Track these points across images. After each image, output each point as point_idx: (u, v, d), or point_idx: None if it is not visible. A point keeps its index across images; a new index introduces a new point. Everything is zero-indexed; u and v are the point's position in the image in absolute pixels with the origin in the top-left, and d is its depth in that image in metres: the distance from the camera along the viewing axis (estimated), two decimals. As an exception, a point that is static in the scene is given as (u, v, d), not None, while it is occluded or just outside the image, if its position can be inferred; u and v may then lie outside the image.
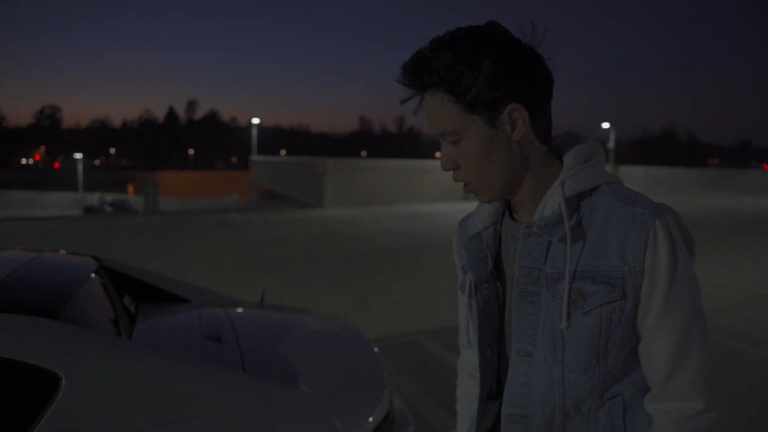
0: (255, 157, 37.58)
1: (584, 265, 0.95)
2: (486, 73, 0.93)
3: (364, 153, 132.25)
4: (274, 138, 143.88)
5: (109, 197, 38.85)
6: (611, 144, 40.49)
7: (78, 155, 57.40)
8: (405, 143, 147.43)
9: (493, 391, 1.15)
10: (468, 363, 1.28)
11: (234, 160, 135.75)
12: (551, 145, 1.05)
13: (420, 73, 0.96)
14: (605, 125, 41.44)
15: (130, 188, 59.78)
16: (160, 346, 2.06)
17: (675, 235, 0.93)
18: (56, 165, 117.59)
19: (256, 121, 39.08)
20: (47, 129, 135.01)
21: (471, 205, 17.67)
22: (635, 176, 37.44)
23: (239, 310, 2.55)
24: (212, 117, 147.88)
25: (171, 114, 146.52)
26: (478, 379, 1.18)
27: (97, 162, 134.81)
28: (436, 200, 21.70)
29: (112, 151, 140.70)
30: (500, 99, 0.94)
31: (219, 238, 12.33)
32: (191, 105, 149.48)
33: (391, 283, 7.78)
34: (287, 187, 26.68)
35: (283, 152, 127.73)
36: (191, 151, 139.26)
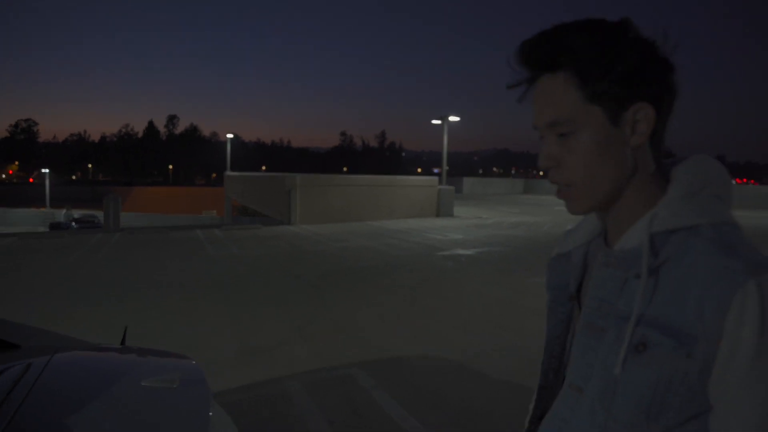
0: (229, 173, 37.03)
1: (655, 312, 0.84)
2: (625, 62, 0.85)
3: (345, 168, 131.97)
4: (255, 153, 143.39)
5: (76, 213, 37.92)
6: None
7: (45, 170, 56.24)
8: (386, 158, 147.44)
9: (538, 416, 1.10)
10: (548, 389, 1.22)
11: (214, 175, 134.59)
12: (660, 165, 0.93)
13: (547, 49, 0.88)
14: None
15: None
16: None
17: None
18: (31, 180, 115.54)
19: (230, 135, 38.57)
20: (23, 143, 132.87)
21: (445, 222, 17.33)
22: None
23: (67, 357, 2.10)
24: (193, 132, 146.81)
25: (151, 128, 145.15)
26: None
27: (74, 177, 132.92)
28: (409, 216, 21.30)
29: (90, 166, 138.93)
30: (630, 95, 0.86)
31: (174, 256, 11.79)
32: (171, 120, 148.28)
33: (343, 307, 7.32)
34: (258, 202, 26.15)
35: (263, 168, 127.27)
36: (171, 167, 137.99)
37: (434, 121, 25.87)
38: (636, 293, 0.87)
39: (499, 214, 23.18)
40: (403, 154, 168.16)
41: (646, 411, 0.85)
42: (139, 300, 7.65)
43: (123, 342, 2.58)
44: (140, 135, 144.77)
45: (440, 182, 23.28)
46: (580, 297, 1.02)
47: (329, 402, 4.31)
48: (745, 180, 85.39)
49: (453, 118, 25.30)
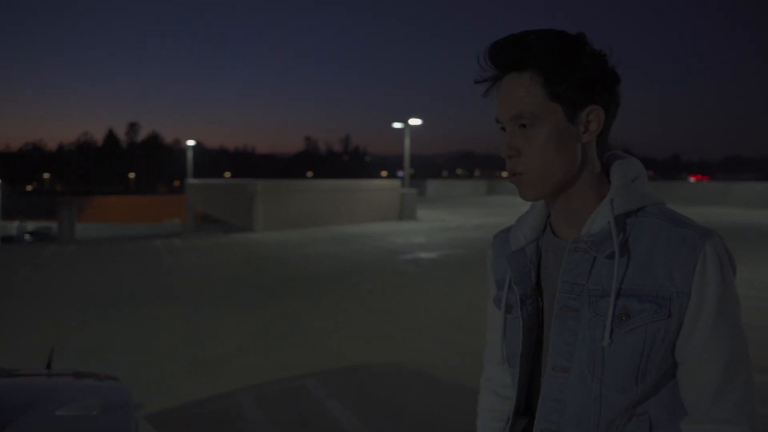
0: (191, 180, 36.44)
1: (630, 284, 0.95)
2: (584, 67, 0.96)
3: (310, 173, 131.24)
4: (218, 160, 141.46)
5: (30, 225, 36.74)
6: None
7: (-4, 180, 54.42)
8: (351, 163, 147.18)
9: (521, 407, 1.12)
10: (494, 379, 1.29)
11: (177, 183, 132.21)
12: (602, 164, 1.06)
13: (516, 50, 0.97)
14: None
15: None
16: None
17: (723, 259, 0.94)
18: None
19: (191, 143, 37.95)
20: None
21: (408, 225, 17.27)
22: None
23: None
24: (154, 139, 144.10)
25: (111, 137, 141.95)
26: (505, 396, 1.25)
27: (29, 187, 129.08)
28: (372, 220, 21.22)
29: (47, 176, 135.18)
30: (586, 98, 0.98)
31: (130, 268, 11.48)
32: (132, 127, 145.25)
33: (301, 315, 7.20)
34: (220, 210, 25.75)
35: (227, 174, 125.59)
36: (132, 175, 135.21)
37: (396, 125, 25.87)
38: (605, 271, 0.98)
39: (462, 216, 23.27)
40: (368, 158, 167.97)
41: (635, 373, 0.95)
42: (87, 314, 7.40)
43: (49, 365, 2.42)
44: (100, 143, 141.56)
45: (403, 185, 23.27)
46: (539, 289, 1.09)
47: (281, 415, 4.20)
48: (699, 177, 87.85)
49: (414, 122, 25.34)
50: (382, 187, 22.27)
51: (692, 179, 67.54)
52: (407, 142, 24.77)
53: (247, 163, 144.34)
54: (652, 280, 0.94)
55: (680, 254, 0.93)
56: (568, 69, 0.96)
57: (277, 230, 18.80)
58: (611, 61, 1.00)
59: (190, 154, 37.88)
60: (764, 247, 12.93)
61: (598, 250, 0.98)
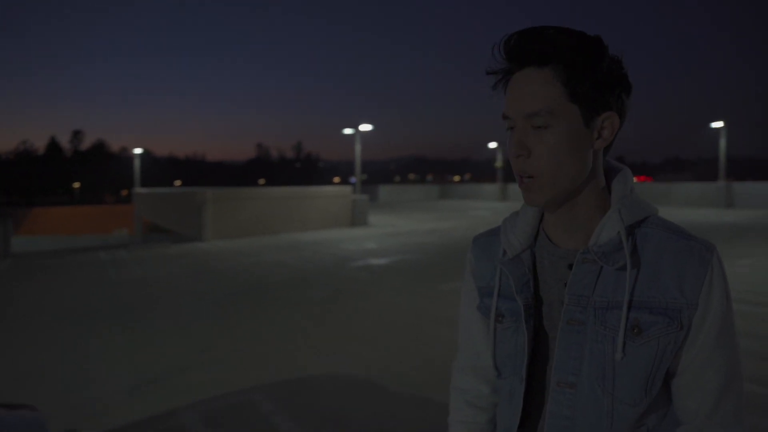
0: (138, 189, 35.52)
1: (640, 296, 0.94)
2: (605, 69, 0.93)
3: (262, 180, 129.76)
4: (168, 168, 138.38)
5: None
6: (498, 163, 41.71)
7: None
8: (304, 169, 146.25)
9: (523, 421, 1.07)
10: (470, 390, 1.22)
11: (124, 192, 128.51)
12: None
13: (541, 43, 0.92)
14: (492, 145, 42.62)
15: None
16: None
17: (724, 270, 0.95)
18: None
19: (138, 151, 37.03)
20: None
21: (360, 231, 17.16)
22: (518, 193, 38.79)
23: None
24: (100, 147, 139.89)
25: (53, 145, 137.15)
26: (481, 408, 1.20)
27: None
28: (324, 227, 21.09)
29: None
30: (604, 102, 0.94)
31: (71, 283, 11.07)
32: (76, 135, 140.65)
33: (249, 327, 7.06)
34: (168, 220, 25.14)
35: (178, 183, 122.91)
36: (77, 185, 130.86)
37: (346, 131, 25.83)
38: (611, 282, 0.96)
39: (414, 221, 23.38)
40: (321, 164, 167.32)
41: (645, 385, 0.94)
42: (18, 335, 7.09)
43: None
44: (41, 152, 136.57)
45: (354, 191, 23.23)
46: (537, 297, 1.06)
47: (226, 432, 4.09)
48: (643, 178, 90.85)
49: (365, 127, 25.35)
50: (334, 193, 22.17)
51: (636, 180, 69.68)
52: (358, 148, 24.76)
53: (198, 171, 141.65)
54: (662, 292, 0.93)
55: (690, 266, 0.93)
56: (591, 69, 0.93)
57: (227, 239, 18.48)
58: (624, 67, 0.97)
59: (137, 163, 36.95)
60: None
61: (608, 262, 0.95)
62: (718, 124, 29.17)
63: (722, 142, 29.27)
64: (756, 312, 6.99)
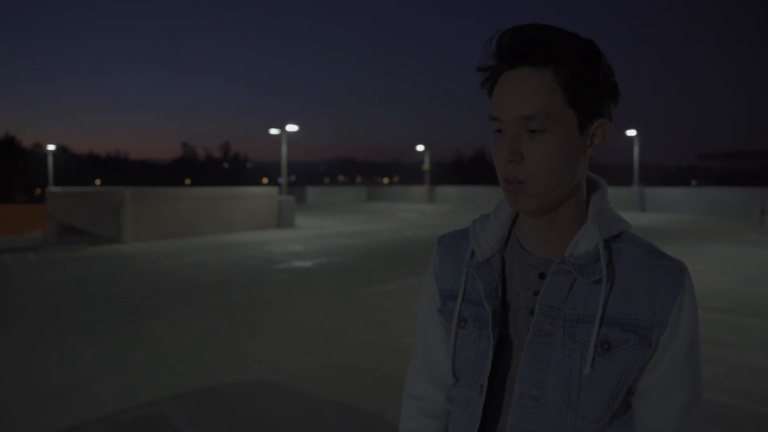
0: (52, 188, 33.78)
1: (612, 311, 0.91)
2: (603, 76, 0.91)
3: (188, 181, 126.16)
4: (88, 166, 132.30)
5: None
6: (426, 166, 42.23)
7: None
8: (232, 170, 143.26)
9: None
10: (427, 399, 1.16)
11: (38, 191, 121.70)
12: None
13: (542, 43, 0.87)
14: (420, 148, 43.11)
15: None
16: None
17: (693, 291, 0.95)
18: None
19: (51, 147, 35.23)
20: None
21: (286, 233, 16.89)
22: (450, 195, 39.46)
23: None
24: (10, 142, 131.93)
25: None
26: (435, 417, 1.16)
27: None
28: (250, 228, 20.67)
29: None
30: (599, 109, 0.92)
31: (-28, 288, 10.33)
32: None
33: (164, 333, 6.79)
34: (86, 220, 23.97)
35: (98, 182, 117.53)
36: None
37: (272, 131, 25.46)
38: (584, 296, 0.93)
39: (341, 223, 23.30)
40: (250, 164, 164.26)
41: (608, 402, 0.92)
42: None
43: None
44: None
45: (281, 192, 22.93)
46: (506, 303, 1.02)
47: (133, 446, 3.89)
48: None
49: (291, 128, 25.07)
50: (260, 194, 21.78)
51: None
52: (284, 148, 24.45)
53: (121, 170, 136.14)
54: (634, 310, 0.91)
55: (664, 286, 0.92)
56: (592, 75, 0.89)
57: (148, 241, 17.79)
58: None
59: (50, 160, 35.11)
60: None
61: (584, 274, 0.92)
62: (631, 133, 30.64)
63: (636, 150, 30.79)
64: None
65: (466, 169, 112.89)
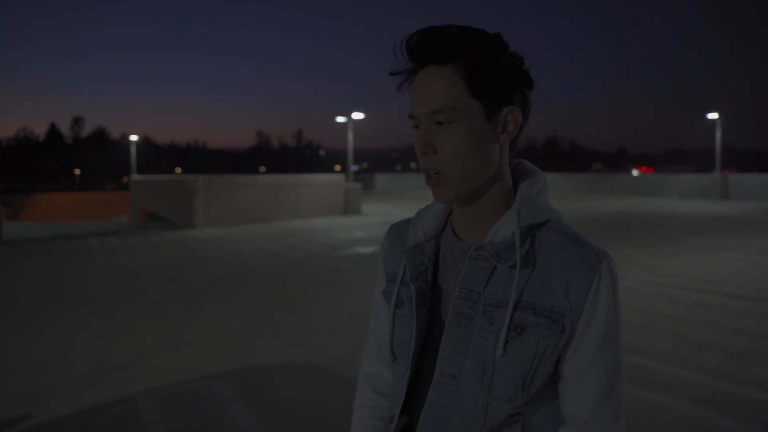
0: (135, 177, 35.54)
1: (527, 296, 0.95)
2: (506, 65, 0.95)
3: (263, 168, 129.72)
4: (169, 155, 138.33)
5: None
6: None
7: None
8: (304, 157, 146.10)
9: (404, 406, 1.09)
10: (373, 375, 1.25)
11: (125, 179, 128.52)
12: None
13: (442, 41, 0.93)
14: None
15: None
16: None
17: (615, 279, 0.97)
18: None
19: (134, 138, 37.04)
20: None
21: (352, 219, 17.17)
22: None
23: None
24: (100, 134, 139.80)
25: (53, 131, 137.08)
26: (382, 393, 1.22)
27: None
28: (316, 215, 21.11)
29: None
30: (506, 96, 0.96)
31: (55, 269, 11.10)
32: (77, 122, 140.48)
33: (219, 315, 7.09)
34: (163, 207, 25.15)
35: (178, 170, 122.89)
36: (77, 171, 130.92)
37: (339, 119, 25.79)
38: (503, 281, 0.97)
39: (408, 210, 23.36)
40: (323, 152, 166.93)
41: (521, 384, 0.95)
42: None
43: None
44: (41, 139, 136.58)
45: (347, 179, 23.22)
46: (435, 287, 1.07)
47: (179, 419, 4.12)
48: (645, 169, 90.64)
49: (357, 116, 25.31)
50: (326, 181, 22.16)
51: (636, 171, 69.59)
52: (350, 136, 24.74)
53: (199, 159, 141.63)
54: (548, 295, 0.95)
55: (578, 272, 0.95)
56: (492, 65, 0.94)
57: (219, 227, 18.51)
58: (526, 64, 0.99)
59: (133, 150, 36.96)
60: (672, 238, 13.41)
61: (500, 260, 0.97)
62: (713, 116, 29.05)
63: (718, 134, 29.17)
64: (744, 307, 7.01)
65: (539, 157, 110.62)
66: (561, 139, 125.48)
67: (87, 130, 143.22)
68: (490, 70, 0.95)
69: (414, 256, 1.08)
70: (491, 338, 0.96)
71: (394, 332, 1.11)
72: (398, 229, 1.20)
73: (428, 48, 0.95)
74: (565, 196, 29.89)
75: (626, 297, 7.26)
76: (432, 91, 0.96)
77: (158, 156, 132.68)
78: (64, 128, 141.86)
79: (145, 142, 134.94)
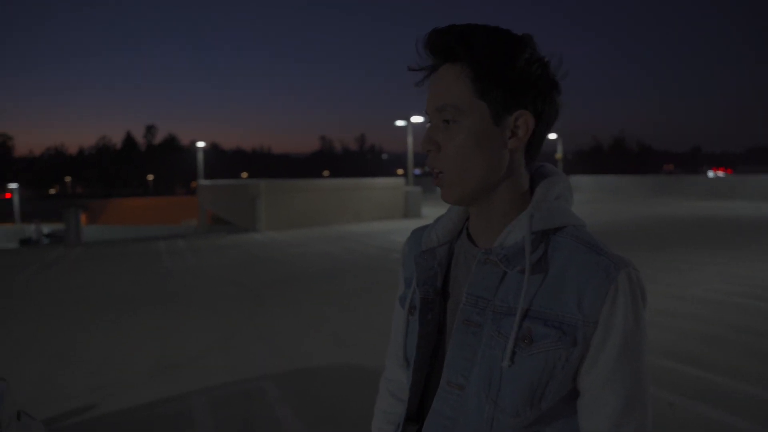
0: (202, 181, 36.73)
1: (538, 306, 0.90)
2: (519, 69, 0.91)
3: (326, 172, 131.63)
4: (235, 161, 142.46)
5: (46, 228, 37.20)
6: (559, 155, 40.72)
7: (13, 185, 55.42)
8: (367, 161, 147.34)
9: (412, 413, 1.07)
10: (393, 381, 1.24)
11: (194, 184, 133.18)
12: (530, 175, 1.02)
13: (451, 39, 0.93)
14: (552, 136, 41.60)
15: (83, 217, 57.49)
16: None
17: (635, 290, 0.90)
18: (8, 195, 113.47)
19: (201, 144, 38.30)
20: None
21: (412, 223, 17.20)
22: (584, 185, 37.78)
23: None
24: (171, 141, 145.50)
25: (129, 139, 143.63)
26: (400, 399, 1.21)
27: (52, 191, 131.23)
28: (376, 218, 21.22)
29: (68, 179, 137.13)
30: (516, 101, 0.93)
31: (126, 270, 11.59)
32: (150, 130, 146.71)
33: (276, 316, 7.21)
34: (227, 211, 25.90)
35: (244, 175, 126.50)
36: (150, 177, 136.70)
37: (398, 123, 25.83)
38: (515, 288, 0.92)
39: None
40: (385, 156, 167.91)
41: (530, 398, 0.90)
42: (67, 315, 7.48)
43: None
44: (118, 147, 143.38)
45: (407, 183, 23.22)
46: (446, 293, 1.04)
47: (228, 419, 4.20)
48: (722, 169, 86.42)
49: (416, 119, 25.27)
50: (386, 185, 22.23)
51: (712, 172, 66.58)
52: (410, 139, 24.75)
53: (264, 164, 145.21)
54: (560, 305, 0.90)
55: (592, 282, 0.89)
56: (501, 68, 0.91)
57: (280, 230, 18.88)
58: (556, 69, 0.95)
59: (200, 156, 38.21)
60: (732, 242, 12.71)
61: (509, 265, 0.93)
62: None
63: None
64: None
65: (606, 158, 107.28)
66: (629, 139, 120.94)
67: (159, 137, 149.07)
68: (499, 72, 0.91)
69: (423, 260, 1.06)
70: (499, 347, 0.92)
71: (408, 338, 1.09)
72: (418, 233, 1.17)
73: (439, 45, 0.94)
74: (632, 199, 28.90)
75: (692, 306, 6.92)
76: (440, 89, 0.95)
77: (225, 161, 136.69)
78: (139, 136, 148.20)
79: (212, 149, 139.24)
